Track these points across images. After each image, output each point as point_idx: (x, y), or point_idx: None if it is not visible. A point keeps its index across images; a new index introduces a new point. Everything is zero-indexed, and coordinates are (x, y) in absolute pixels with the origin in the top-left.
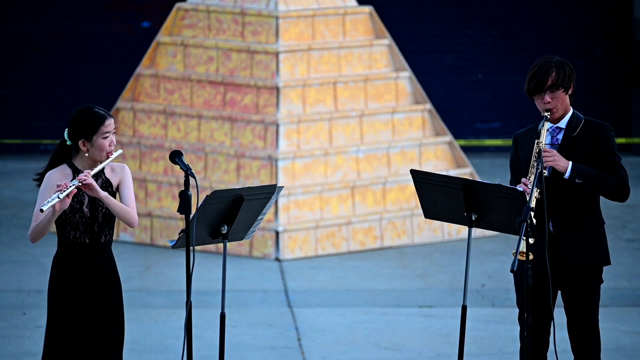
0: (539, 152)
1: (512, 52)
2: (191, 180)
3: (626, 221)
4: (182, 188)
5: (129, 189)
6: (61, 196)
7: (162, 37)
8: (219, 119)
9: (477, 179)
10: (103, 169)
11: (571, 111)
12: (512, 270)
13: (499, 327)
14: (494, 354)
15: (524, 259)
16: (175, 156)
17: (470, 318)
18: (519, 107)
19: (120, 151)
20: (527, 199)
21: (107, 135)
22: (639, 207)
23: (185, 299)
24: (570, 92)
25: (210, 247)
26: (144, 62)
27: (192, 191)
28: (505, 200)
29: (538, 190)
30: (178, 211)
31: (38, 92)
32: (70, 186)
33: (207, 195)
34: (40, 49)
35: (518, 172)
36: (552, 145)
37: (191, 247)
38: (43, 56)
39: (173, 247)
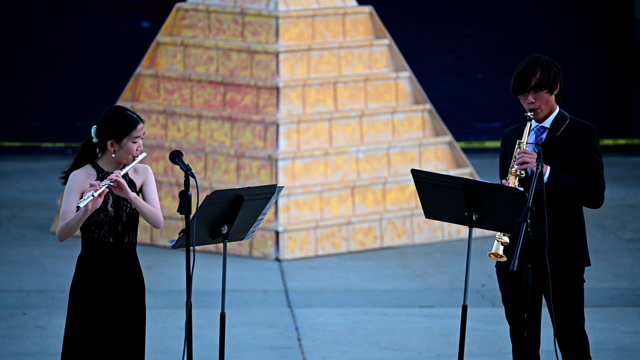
0: (539, 154)
1: (512, 52)
2: (191, 180)
3: (626, 221)
4: (182, 188)
5: (152, 191)
6: (95, 194)
7: (162, 37)
8: (219, 119)
9: (477, 179)
10: (127, 173)
11: (557, 110)
12: (512, 270)
13: (499, 327)
14: (494, 354)
15: (497, 259)
16: (175, 156)
17: (470, 318)
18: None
19: (144, 154)
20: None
21: (136, 139)
22: (639, 207)
23: (185, 299)
24: (556, 92)
25: (210, 247)
26: (144, 62)
27: (192, 191)
28: (505, 200)
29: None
30: (178, 211)
31: (38, 92)
32: (102, 185)
33: (207, 196)
34: (40, 49)
35: (506, 169)
36: (535, 145)
37: (191, 247)
38: (43, 56)
39: (173, 247)
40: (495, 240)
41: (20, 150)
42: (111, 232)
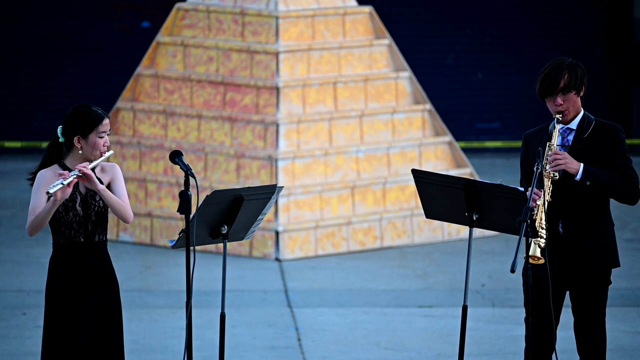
0: (540, 153)
1: (512, 52)
2: (191, 180)
3: (626, 221)
4: (182, 188)
5: (121, 187)
6: (65, 182)
7: (162, 37)
8: (219, 119)
9: (477, 179)
10: (93, 169)
11: (582, 112)
12: (512, 271)
13: (499, 327)
14: (494, 354)
15: (535, 262)
16: (175, 156)
17: (470, 318)
18: (518, 107)
19: (112, 152)
20: (540, 202)
21: (102, 134)
22: (639, 207)
23: (185, 299)
24: (582, 94)
25: (210, 247)
26: (144, 62)
27: (192, 191)
28: (506, 200)
29: (550, 194)
30: (178, 211)
31: (38, 92)
32: (71, 175)
33: (207, 196)
34: (40, 49)
35: (528, 171)
36: (562, 146)
37: (191, 247)
38: (43, 56)
39: (173, 247)
40: (533, 243)
41: (20, 150)
42: (81, 232)
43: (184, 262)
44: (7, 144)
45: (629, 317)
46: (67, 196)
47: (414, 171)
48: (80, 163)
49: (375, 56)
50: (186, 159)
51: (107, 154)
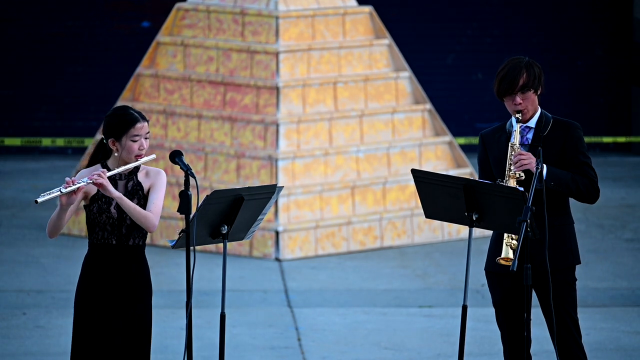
0: (539, 154)
1: (512, 52)
2: (191, 180)
3: (626, 221)
4: (182, 188)
5: (156, 194)
6: (64, 191)
7: (162, 37)
8: (219, 119)
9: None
10: (136, 172)
11: (539, 110)
12: (512, 271)
13: None
14: (494, 354)
15: (508, 264)
16: (175, 156)
17: (470, 318)
18: None
19: (153, 156)
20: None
21: (136, 138)
22: (639, 207)
23: (185, 299)
24: (539, 92)
25: (210, 247)
26: (144, 62)
27: (192, 191)
28: (506, 200)
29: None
30: (178, 211)
31: (38, 92)
32: (78, 182)
33: (207, 196)
34: (40, 49)
35: (487, 170)
36: (522, 145)
37: (191, 247)
38: (43, 56)
39: (173, 247)
40: (505, 245)
41: (20, 150)
42: (114, 234)
43: (184, 262)
44: (7, 142)
45: (629, 317)
46: (74, 202)
47: (413, 171)
48: (119, 165)
49: (375, 56)
50: (186, 159)
51: (144, 159)
